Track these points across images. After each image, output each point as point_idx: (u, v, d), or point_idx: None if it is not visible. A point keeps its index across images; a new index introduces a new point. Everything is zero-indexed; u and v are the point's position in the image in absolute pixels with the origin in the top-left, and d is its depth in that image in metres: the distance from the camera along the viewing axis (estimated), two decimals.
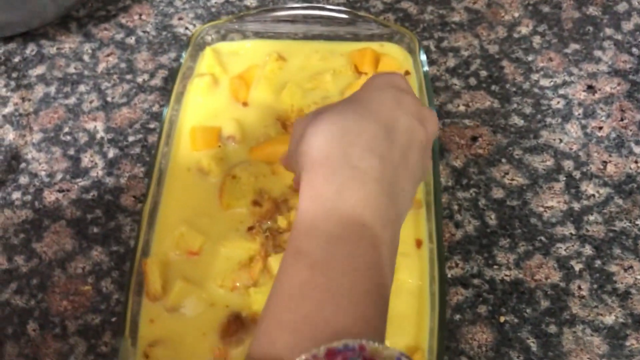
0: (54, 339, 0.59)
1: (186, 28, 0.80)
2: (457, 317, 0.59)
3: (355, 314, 0.37)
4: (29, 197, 0.67)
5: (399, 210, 0.44)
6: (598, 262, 0.62)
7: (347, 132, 0.42)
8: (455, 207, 0.66)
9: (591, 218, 0.65)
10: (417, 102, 0.47)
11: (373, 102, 0.45)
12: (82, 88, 0.75)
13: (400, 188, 0.43)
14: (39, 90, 0.75)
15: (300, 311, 0.37)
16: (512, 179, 0.67)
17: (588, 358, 0.57)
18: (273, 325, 0.38)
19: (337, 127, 0.42)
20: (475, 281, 0.61)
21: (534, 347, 0.58)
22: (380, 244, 0.40)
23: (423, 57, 0.67)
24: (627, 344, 0.58)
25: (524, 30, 0.79)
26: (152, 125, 0.72)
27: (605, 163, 0.68)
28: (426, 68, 0.66)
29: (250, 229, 0.58)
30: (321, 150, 0.42)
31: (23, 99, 0.75)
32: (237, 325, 0.54)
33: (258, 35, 0.72)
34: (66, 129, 0.72)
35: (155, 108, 0.73)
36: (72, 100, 0.74)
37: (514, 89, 0.74)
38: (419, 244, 0.58)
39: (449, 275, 0.61)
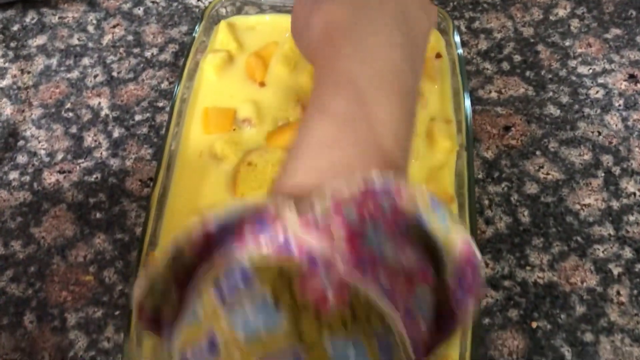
0: (52, 332, 0.55)
1: None
2: (487, 321, 0.55)
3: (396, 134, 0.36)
4: (27, 178, 0.63)
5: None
6: (638, 266, 0.58)
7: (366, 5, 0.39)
8: (486, 202, 0.61)
9: (631, 218, 0.60)
10: None
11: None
12: (85, 61, 0.70)
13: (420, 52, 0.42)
14: (39, 62, 0.70)
15: (333, 155, 0.34)
16: (547, 174, 0.63)
17: None
18: (302, 162, 0.34)
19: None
20: (506, 283, 0.57)
21: (568, 356, 0.54)
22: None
23: (457, 38, 0.61)
24: None
25: (561, 12, 0.73)
26: (160, 104, 0.67)
27: None
28: (460, 50, 0.61)
29: None
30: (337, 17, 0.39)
31: (22, 71, 0.70)
32: None
33: (277, 9, 0.66)
34: (68, 105, 0.67)
35: (164, 85, 0.68)
36: (74, 74, 0.69)
37: (550, 76, 0.69)
38: None
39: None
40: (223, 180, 0.56)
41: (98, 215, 0.60)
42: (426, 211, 0.31)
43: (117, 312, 0.56)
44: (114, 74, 0.69)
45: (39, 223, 0.60)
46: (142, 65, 0.70)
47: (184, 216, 0.54)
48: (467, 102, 0.58)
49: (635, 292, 0.56)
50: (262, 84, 0.61)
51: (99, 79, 0.69)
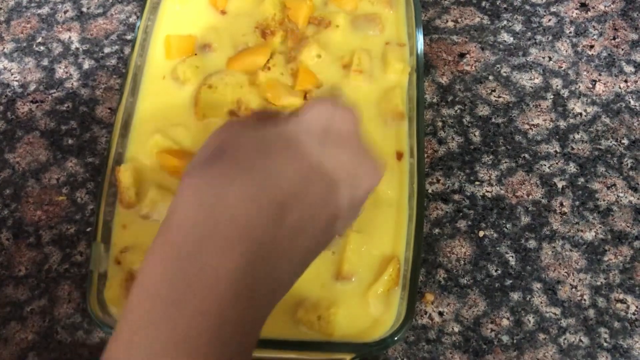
0: (28, 247, 0.58)
1: None
2: (437, 231, 0.59)
3: None
4: (0, 108, 0.65)
5: (264, 310, 0.36)
6: (581, 180, 0.61)
7: (211, 219, 0.34)
8: (439, 124, 0.64)
9: (577, 136, 0.63)
10: (355, 152, 0.40)
11: (278, 162, 0.36)
12: None
13: (274, 278, 0.36)
14: None
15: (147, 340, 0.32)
16: (499, 97, 0.66)
17: (565, 272, 0.57)
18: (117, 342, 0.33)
19: (203, 206, 0.34)
20: (456, 197, 0.60)
21: (512, 261, 0.57)
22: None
23: None
24: (605, 259, 0.57)
25: None
26: (128, 37, 0.69)
27: (594, 82, 0.66)
28: None
29: None
30: (173, 234, 0.34)
31: None
32: None
33: None
34: (39, 39, 0.69)
35: (132, 19, 0.70)
36: (45, 9, 0.71)
37: (505, 6, 0.71)
38: (399, 156, 0.56)
39: (430, 191, 0.61)
40: (185, 102, 0.59)
41: (70, 141, 0.63)
42: None
43: (88, 229, 0.59)
44: (84, 9, 0.71)
45: (13, 149, 0.63)
46: (110, 0, 0.72)
47: (148, 135, 0.57)
48: (419, 29, 0.61)
49: (577, 203, 0.60)
50: (223, 12, 0.64)
51: (69, 14, 0.71)
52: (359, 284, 0.51)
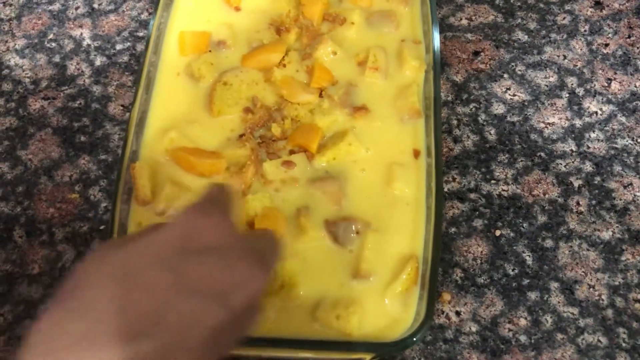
0: (41, 245, 0.58)
1: None
2: (453, 230, 0.58)
3: None
4: (12, 105, 0.65)
5: None
6: (598, 179, 0.61)
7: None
8: (455, 122, 0.64)
9: (593, 135, 0.63)
10: (225, 258, 0.36)
11: (127, 300, 0.33)
12: None
13: None
14: None
15: None
16: (514, 95, 0.65)
17: (583, 272, 0.56)
18: None
19: (45, 351, 0.31)
20: (472, 195, 0.60)
21: (529, 260, 0.57)
22: None
23: None
24: (623, 258, 0.57)
25: None
26: (140, 34, 0.69)
27: (609, 80, 0.66)
28: None
29: (242, 136, 0.56)
30: None
31: (4, 4, 0.71)
32: None
33: None
34: (51, 36, 0.69)
35: (144, 15, 0.70)
36: (56, 6, 0.71)
37: (519, 4, 0.71)
38: (416, 154, 0.56)
39: (446, 190, 0.60)
40: (200, 99, 0.58)
41: (82, 138, 0.63)
42: None
43: (102, 227, 0.59)
44: (95, 5, 0.71)
45: (26, 146, 0.63)
46: None
47: (163, 132, 0.56)
48: (435, 26, 0.60)
49: (593, 202, 0.60)
50: (237, 9, 0.63)
51: (81, 10, 0.71)
52: (377, 283, 0.50)
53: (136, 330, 0.32)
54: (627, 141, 0.63)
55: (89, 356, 0.31)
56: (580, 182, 0.61)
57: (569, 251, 0.57)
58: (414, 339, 0.47)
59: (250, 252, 0.38)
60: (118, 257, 0.35)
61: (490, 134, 0.63)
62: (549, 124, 0.64)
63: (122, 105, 0.64)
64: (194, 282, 0.35)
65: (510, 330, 0.54)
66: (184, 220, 0.38)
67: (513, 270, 0.57)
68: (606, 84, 0.66)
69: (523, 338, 0.54)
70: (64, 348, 0.31)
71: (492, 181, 0.61)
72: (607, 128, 0.63)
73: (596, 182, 0.61)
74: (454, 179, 0.61)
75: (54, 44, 0.68)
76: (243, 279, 0.36)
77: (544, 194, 0.60)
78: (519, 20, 0.70)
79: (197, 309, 0.34)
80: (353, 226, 0.53)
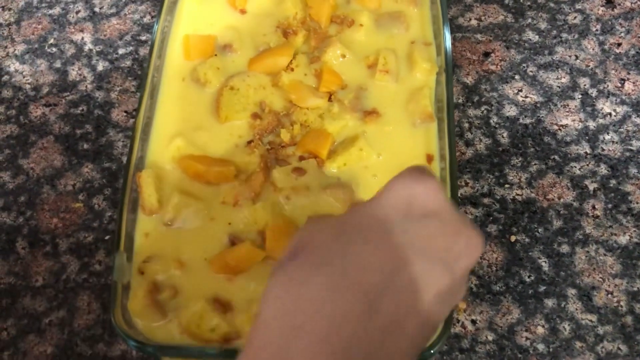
0: (44, 257, 0.56)
1: None
2: None
3: None
4: (13, 112, 0.63)
5: None
6: (613, 182, 0.59)
7: (299, 312, 0.32)
8: (466, 125, 0.62)
9: (607, 137, 0.62)
10: (447, 224, 0.36)
11: (360, 251, 0.34)
12: None
13: None
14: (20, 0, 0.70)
15: None
16: (526, 96, 0.64)
17: (600, 278, 0.55)
18: None
19: (289, 301, 0.33)
20: (486, 200, 0.59)
21: (545, 266, 0.56)
22: None
23: None
24: None
25: None
26: (143, 37, 0.67)
27: (623, 81, 0.65)
28: None
29: (250, 142, 0.55)
30: (261, 331, 0.32)
31: (3, 8, 0.69)
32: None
33: None
34: (51, 41, 0.67)
35: (147, 19, 0.68)
36: (56, 10, 0.69)
37: (529, 3, 0.70)
38: (429, 159, 0.55)
39: (459, 194, 0.59)
40: (206, 105, 0.57)
41: (85, 145, 0.61)
42: None
43: (107, 237, 0.57)
44: (96, 9, 0.69)
45: (27, 155, 0.61)
46: (123, 0, 0.70)
47: (169, 139, 0.55)
48: (447, 27, 0.59)
49: (609, 205, 0.58)
50: (243, 11, 0.62)
51: (81, 14, 0.69)
52: None
53: (376, 285, 0.33)
54: None
55: (336, 307, 0.32)
56: (595, 185, 0.59)
57: (586, 256, 0.56)
58: (432, 350, 0.46)
59: (468, 222, 0.38)
60: (340, 220, 0.36)
61: (503, 136, 0.62)
62: (562, 126, 0.62)
63: (125, 112, 0.63)
64: (422, 244, 0.35)
65: (527, 338, 0.53)
66: (399, 188, 0.37)
67: (529, 276, 0.55)
68: (619, 85, 0.64)
69: (541, 347, 0.53)
70: (310, 300, 0.32)
71: (506, 185, 0.59)
72: (622, 129, 0.62)
73: (612, 185, 0.59)
74: (466, 184, 0.59)
75: (54, 49, 0.67)
76: (467, 247, 0.36)
77: (559, 198, 0.59)
78: (530, 20, 0.68)
79: (426, 270, 0.34)
80: None
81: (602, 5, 0.69)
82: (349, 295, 0.32)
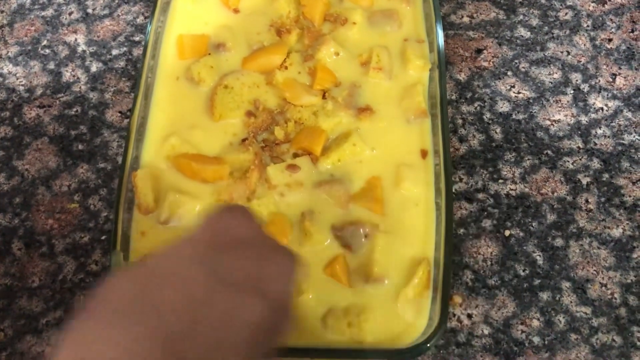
0: (40, 257, 0.56)
1: None
2: (461, 231, 0.57)
3: None
4: (7, 113, 0.63)
5: None
6: (606, 176, 0.60)
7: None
8: (460, 121, 0.63)
9: (599, 131, 0.62)
10: (259, 251, 0.35)
11: (161, 294, 0.31)
12: None
13: None
14: (13, 1, 0.70)
15: None
16: (518, 92, 0.64)
17: (594, 270, 0.56)
18: None
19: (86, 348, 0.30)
20: (480, 195, 0.59)
21: (539, 260, 0.56)
22: None
23: None
24: (634, 256, 0.56)
25: None
26: (137, 38, 0.67)
27: (614, 76, 0.65)
28: None
29: (244, 140, 0.55)
30: None
31: None
32: None
33: None
34: (44, 42, 0.67)
35: (140, 20, 0.68)
36: (49, 11, 0.69)
37: (520, 0, 0.70)
38: (424, 154, 0.55)
39: (453, 190, 0.59)
40: (201, 103, 0.57)
41: (80, 146, 0.61)
42: None
43: (103, 237, 0.57)
44: (89, 10, 0.69)
45: (22, 156, 0.61)
46: (117, 1, 0.70)
47: (164, 139, 0.55)
48: (439, 24, 0.59)
49: (602, 199, 0.59)
50: (236, 10, 0.62)
51: (74, 16, 0.69)
52: (390, 287, 0.49)
53: (176, 331, 0.30)
54: (634, 137, 0.62)
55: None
56: (588, 179, 0.60)
57: (580, 250, 0.57)
58: (428, 344, 0.46)
59: (279, 246, 0.37)
60: (148, 264, 0.34)
61: (496, 132, 0.62)
62: (554, 121, 0.63)
63: (119, 112, 0.63)
64: (230, 276, 0.33)
65: (523, 331, 0.53)
66: (211, 221, 0.37)
67: (524, 270, 0.56)
68: (611, 80, 0.65)
69: (536, 339, 0.53)
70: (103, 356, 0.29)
71: (500, 180, 0.60)
72: (614, 124, 0.63)
73: (604, 179, 0.60)
74: (461, 179, 0.60)
75: (48, 51, 0.67)
76: (278, 271, 0.35)
77: (553, 192, 0.59)
78: (521, 17, 0.69)
79: (236, 302, 0.33)
80: (361, 230, 0.52)
81: (593, 2, 0.70)
82: (146, 344, 0.30)
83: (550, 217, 0.58)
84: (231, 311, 0.32)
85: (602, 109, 0.63)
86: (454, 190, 0.59)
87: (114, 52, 0.66)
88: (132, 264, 0.36)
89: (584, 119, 0.63)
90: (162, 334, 0.30)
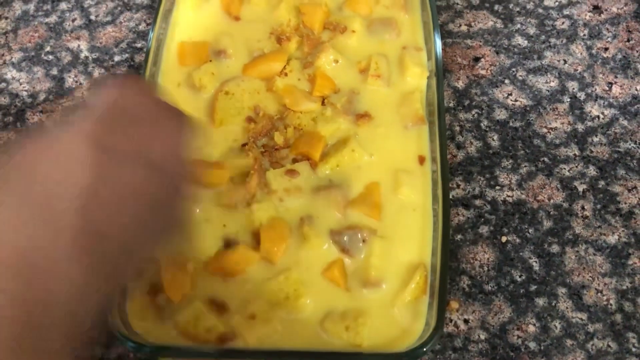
0: None
1: None
2: (459, 237, 0.58)
3: None
4: (10, 119, 0.64)
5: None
6: (602, 183, 0.61)
7: None
8: (457, 129, 0.63)
9: (595, 139, 0.63)
10: (152, 125, 0.35)
11: (48, 186, 0.31)
12: (63, 6, 0.71)
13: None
14: (17, 8, 0.71)
15: None
16: (516, 100, 0.65)
17: (590, 277, 0.56)
18: None
19: None
20: (477, 202, 0.60)
21: (536, 266, 0.57)
22: None
23: None
24: (630, 262, 0.57)
25: None
26: (138, 45, 0.68)
27: (610, 84, 0.66)
28: None
29: (244, 145, 0.56)
30: None
31: None
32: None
33: None
34: (48, 48, 0.68)
35: (142, 27, 0.69)
36: (53, 18, 0.70)
37: (518, 9, 0.71)
38: (421, 160, 0.56)
39: (450, 196, 0.60)
40: (202, 109, 0.58)
41: None
42: None
43: None
44: (92, 17, 0.70)
45: None
46: (119, 8, 0.71)
47: None
48: (437, 32, 0.60)
49: (598, 206, 0.59)
50: (237, 18, 0.63)
51: (77, 22, 0.70)
52: (388, 291, 0.50)
53: (68, 208, 0.31)
54: (629, 145, 0.62)
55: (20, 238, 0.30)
56: (584, 186, 0.60)
57: (576, 256, 0.57)
58: (424, 349, 0.47)
59: (171, 110, 0.37)
60: (40, 143, 0.34)
61: (493, 139, 0.63)
62: (551, 128, 0.63)
63: None
64: (121, 153, 0.33)
65: (519, 337, 0.54)
66: (105, 96, 0.36)
67: (520, 276, 0.56)
68: (607, 88, 0.66)
69: (532, 345, 0.53)
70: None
71: (497, 187, 0.60)
72: (610, 132, 0.63)
73: (600, 186, 0.60)
74: (458, 186, 0.60)
75: (51, 57, 0.68)
76: (166, 134, 0.35)
77: (549, 199, 0.60)
78: (519, 26, 0.70)
79: (123, 176, 0.33)
80: (359, 234, 0.52)
81: (590, 11, 0.71)
82: (32, 224, 0.30)
83: (547, 224, 0.59)
84: (117, 187, 0.32)
85: (598, 117, 0.64)
86: (451, 197, 0.60)
87: (116, 58, 0.67)
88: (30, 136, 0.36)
89: (580, 127, 0.64)
90: (50, 214, 0.31)
